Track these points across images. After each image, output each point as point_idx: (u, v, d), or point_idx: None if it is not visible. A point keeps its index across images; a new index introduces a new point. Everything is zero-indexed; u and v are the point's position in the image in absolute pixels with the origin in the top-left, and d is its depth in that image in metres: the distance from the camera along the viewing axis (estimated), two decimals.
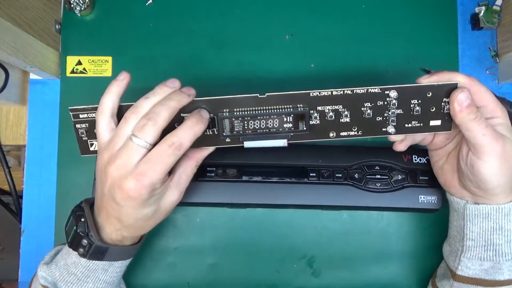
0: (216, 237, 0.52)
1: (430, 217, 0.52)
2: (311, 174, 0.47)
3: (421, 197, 0.47)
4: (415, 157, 0.48)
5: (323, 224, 0.52)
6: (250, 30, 0.55)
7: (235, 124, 0.38)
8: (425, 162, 0.48)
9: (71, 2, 0.53)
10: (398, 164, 0.48)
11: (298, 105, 0.38)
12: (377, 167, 0.48)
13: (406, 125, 0.40)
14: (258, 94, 0.38)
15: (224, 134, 0.39)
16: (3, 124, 0.58)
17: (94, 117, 0.39)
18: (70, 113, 0.39)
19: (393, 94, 0.38)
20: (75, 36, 0.54)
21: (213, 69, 0.54)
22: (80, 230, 0.39)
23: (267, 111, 0.38)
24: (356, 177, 0.47)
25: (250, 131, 0.39)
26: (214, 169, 0.47)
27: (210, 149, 0.41)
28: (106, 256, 0.39)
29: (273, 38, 0.55)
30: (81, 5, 0.53)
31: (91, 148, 0.41)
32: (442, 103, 0.39)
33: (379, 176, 0.48)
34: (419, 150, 0.49)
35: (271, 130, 0.39)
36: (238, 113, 0.38)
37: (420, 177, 0.48)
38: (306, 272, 0.52)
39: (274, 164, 0.48)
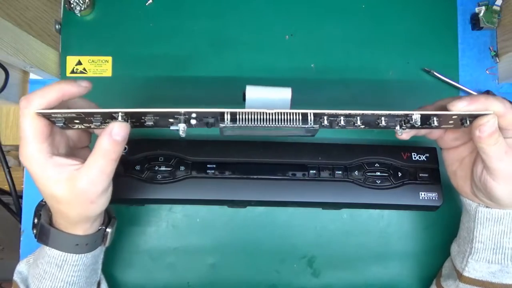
0: (216, 237, 0.52)
1: (430, 217, 0.52)
2: (311, 171, 0.47)
3: (421, 194, 0.47)
4: (414, 155, 0.48)
5: (323, 224, 0.52)
6: (250, 30, 0.55)
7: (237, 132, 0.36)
8: (424, 159, 0.48)
9: (71, 2, 0.53)
10: (398, 161, 0.48)
11: (309, 121, 0.34)
12: (376, 165, 0.48)
13: (416, 126, 0.37)
14: (266, 110, 0.34)
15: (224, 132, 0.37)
16: (3, 124, 0.58)
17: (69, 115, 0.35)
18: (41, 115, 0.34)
19: (417, 118, 0.35)
20: (75, 36, 0.54)
21: (213, 69, 0.54)
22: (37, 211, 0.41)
23: (275, 125, 0.35)
24: (356, 174, 0.47)
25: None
26: (214, 166, 0.47)
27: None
28: (50, 239, 0.38)
29: (273, 38, 0.55)
30: (81, 5, 0.53)
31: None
32: (463, 120, 0.36)
33: (379, 174, 0.48)
34: (418, 148, 0.49)
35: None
36: (241, 123, 0.34)
37: (420, 174, 0.47)
38: (306, 272, 0.52)
39: (274, 161, 0.48)
